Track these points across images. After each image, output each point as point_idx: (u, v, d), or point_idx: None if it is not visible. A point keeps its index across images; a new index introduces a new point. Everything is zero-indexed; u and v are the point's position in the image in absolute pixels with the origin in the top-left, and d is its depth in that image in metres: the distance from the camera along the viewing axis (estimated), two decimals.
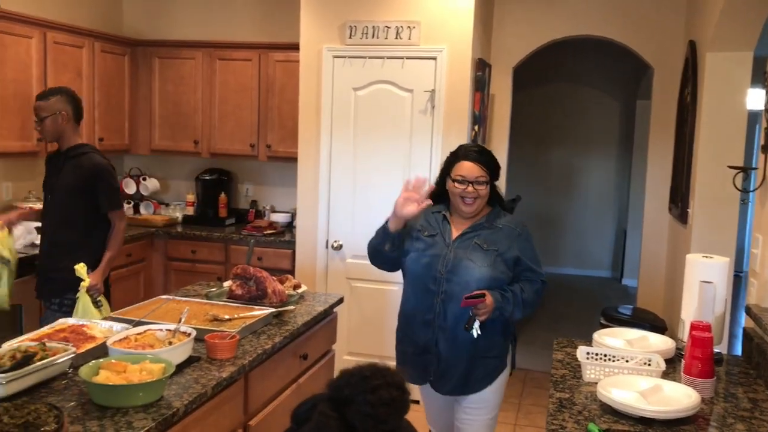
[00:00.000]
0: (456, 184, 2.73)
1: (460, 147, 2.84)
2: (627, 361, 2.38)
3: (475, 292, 2.58)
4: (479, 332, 2.64)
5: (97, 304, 3.32)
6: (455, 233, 2.77)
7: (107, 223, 3.60)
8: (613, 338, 2.64)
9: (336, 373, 3.27)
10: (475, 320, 2.62)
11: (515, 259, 2.71)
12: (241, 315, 2.75)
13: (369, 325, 4.62)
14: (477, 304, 2.58)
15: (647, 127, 5.42)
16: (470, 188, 2.69)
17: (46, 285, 3.59)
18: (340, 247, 4.69)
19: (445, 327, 2.69)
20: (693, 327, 2.29)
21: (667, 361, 2.45)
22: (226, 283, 3.19)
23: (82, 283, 3.17)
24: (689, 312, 2.55)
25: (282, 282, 3.19)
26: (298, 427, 0.91)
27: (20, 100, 4.39)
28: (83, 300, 3.21)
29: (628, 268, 8.42)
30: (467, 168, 2.71)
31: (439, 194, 2.85)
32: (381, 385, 0.88)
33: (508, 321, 2.75)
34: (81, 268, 3.13)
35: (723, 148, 4.00)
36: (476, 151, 2.75)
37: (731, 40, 3.88)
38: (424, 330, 2.72)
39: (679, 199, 4.58)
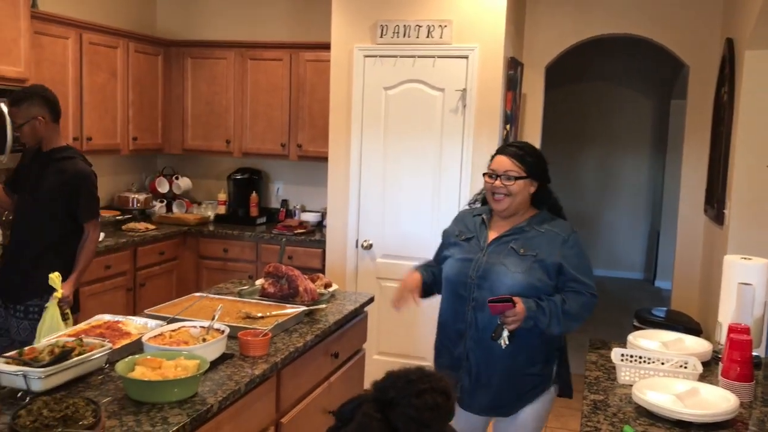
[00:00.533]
0: (486, 178, 2.59)
1: (504, 143, 2.74)
2: (662, 364, 2.34)
3: (502, 296, 2.38)
4: (507, 342, 2.42)
5: (64, 316, 3.08)
6: (492, 237, 2.58)
7: (82, 233, 3.40)
8: (648, 340, 2.60)
9: (367, 373, 3.28)
10: (503, 329, 2.39)
11: (558, 268, 2.45)
12: (274, 313, 2.77)
13: (399, 325, 4.62)
14: (504, 311, 2.36)
15: (682, 126, 5.34)
16: (498, 182, 2.51)
17: (11, 289, 3.36)
18: (370, 246, 4.69)
19: (477, 338, 2.49)
20: (731, 329, 2.24)
21: (704, 364, 2.40)
22: (258, 282, 3.21)
23: (55, 294, 2.93)
24: (727, 314, 2.50)
25: (313, 281, 3.20)
26: (343, 425, 0.90)
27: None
28: (52, 311, 2.96)
29: (661, 270, 8.30)
30: (499, 161, 2.55)
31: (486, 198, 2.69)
32: (427, 389, 0.88)
33: (553, 335, 2.49)
34: (56, 278, 2.88)
35: (761, 148, 3.92)
36: (515, 146, 2.59)
37: None
38: (457, 341, 2.55)
39: (715, 200, 4.50)
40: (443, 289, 2.65)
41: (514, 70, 4.72)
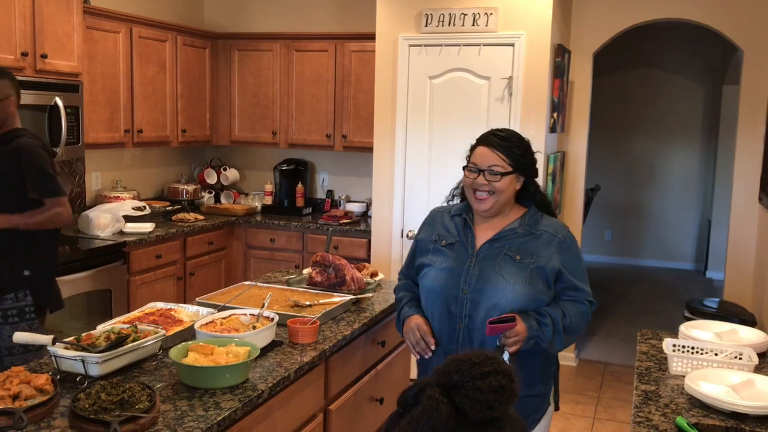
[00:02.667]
0: (466, 173, 2.26)
1: (486, 131, 2.31)
2: (716, 355, 2.30)
3: (504, 316, 2.11)
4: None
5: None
6: (480, 241, 2.25)
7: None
8: (701, 331, 2.55)
9: (413, 362, 3.29)
10: (503, 351, 2.12)
11: (556, 274, 2.20)
12: (321, 301, 2.80)
13: None
14: (505, 331, 2.10)
15: (735, 113, 5.19)
16: (480, 178, 2.19)
17: None
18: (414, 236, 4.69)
19: None
20: None
21: (759, 356, 2.35)
22: (306, 271, 3.24)
23: None
24: None
25: (359, 270, 3.22)
26: (405, 411, 0.92)
27: (108, 93, 4.57)
28: None
29: (713, 260, 8.11)
30: (482, 153, 2.21)
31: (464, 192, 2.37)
32: (491, 372, 0.90)
33: (553, 352, 2.26)
34: None
35: None
36: (499, 136, 2.23)
37: None
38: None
39: None
40: (426, 304, 2.31)
41: (561, 57, 4.65)
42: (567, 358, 5.17)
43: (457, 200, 2.43)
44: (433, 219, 2.43)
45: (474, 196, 2.24)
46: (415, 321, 2.28)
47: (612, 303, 7.10)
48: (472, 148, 2.29)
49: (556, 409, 2.42)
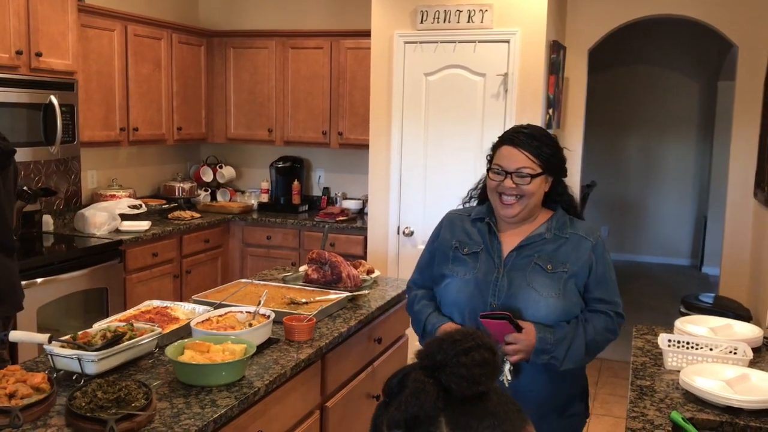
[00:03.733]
0: (491, 175, 2.06)
1: (511, 128, 2.14)
2: (711, 350, 2.30)
3: (498, 312, 1.95)
4: (510, 378, 1.99)
5: None
6: (507, 249, 2.09)
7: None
8: (696, 326, 2.56)
9: (409, 358, 3.29)
10: (504, 361, 1.97)
11: (586, 281, 2.07)
12: (317, 299, 2.80)
13: None
14: (506, 335, 1.93)
15: (730, 109, 5.20)
16: (508, 181, 2.01)
17: None
18: (411, 233, 4.70)
19: (500, 380, 1.99)
20: None
21: (754, 350, 2.35)
22: (302, 268, 3.25)
23: None
24: None
25: (356, 267, 3.22)
26: (391, 399, 0.93)
27: (103, 91, 4.57)
28: None
29: (709, 256, 8.13)
30: (509, 154, 2.03)
31: (485, 194, 2.19)
32: (473, 347, 0.90)
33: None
34: None
35: None
36: (527, 134, 2.04)
37: None
38: None
39: (766, 183, 4.38)
40: (450, 318, 2.13)
41: (556, 53, 4.66)
42: None
43: (474, 202, 2.26)
44: (452, 223, 2.22)
45: (500, 201, 2.06)
46: (451, 327, 2.06)
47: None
48: (495, 148, 2.11)
49: (587, 416, 2.31)
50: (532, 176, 2.02)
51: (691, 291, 6.02)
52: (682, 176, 8.73)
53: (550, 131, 4.73)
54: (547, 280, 2.03)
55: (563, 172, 2.14)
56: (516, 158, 2.02)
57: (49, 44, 3.97)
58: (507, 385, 1.99)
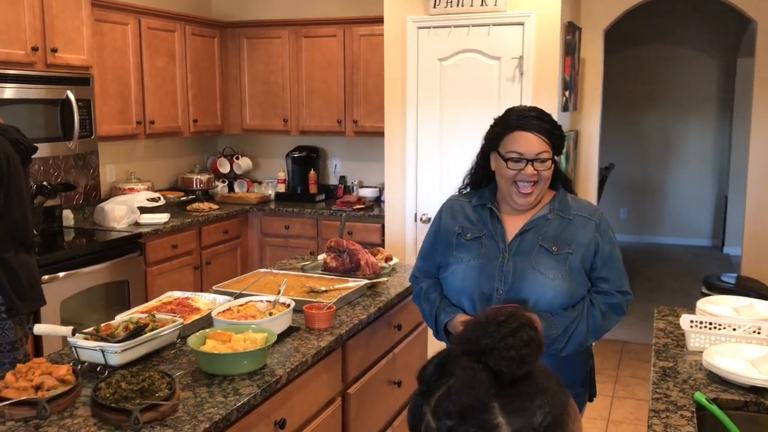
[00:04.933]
0: (509, 164, 2.00)
1: (511, 111, 2.06)
2: (734, 330, 2.28)
3: (509, 305, 1.89)
4: None
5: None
6: (511, 233, 2.08)
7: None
8: (718, 306, 2.53)
9: (429, 344, 3.29)
10: None
11: (592, 261, 2.07)
12: (337, 287, 2.80)
13: None
14: None
15: (750, 86, 5.12)
16: (530, 169, 1.98)
17: None
18: (428, 220, 4.69)
19: None
20: None
21: None
22: (321, 257, 3.25)
23: None
24: None
25: (374, 254, 3.22)
26: (429, 386, 0.90)
27: (119, 85, 4.59)
28: None
29: (730, 236, 8.04)
30: (525, 141, 1.98)
31: (480, 180, 2.19)
32: (519, 326, 0.88)
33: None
34: None
35: None
36: (536, 117, 2.00)
37: None
38: None
39: None
40: (455, 305, 2.15)
41: (572, 35, 4.61)
42: None
43: (468, 189, 2.25)
44: (452, 209, 2.21)
45: (517, 189, 2.01)
46: (464, 318, 2.07)
47: (629, 281, 7.05)
48: (501, 134, 2.04)
49: (590, 400, 2.30)
50: (550, 160, 2.01)
51: (713, 272, 5.96)
52: (701, 156, 8.63)
53: (567, 113, 4.72)
54: (552, 262, 2.02)
55: (561, 151, 2.12)
56: (533, 144, 1.99)
57: (64, 40, 4.00)
58: None
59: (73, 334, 2.08)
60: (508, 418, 0.84)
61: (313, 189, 5.69)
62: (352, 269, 3.02)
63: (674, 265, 7.83)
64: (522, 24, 4.30)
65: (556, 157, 2.13)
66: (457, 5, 4.40)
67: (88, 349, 2.03)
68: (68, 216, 4.47)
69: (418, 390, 0.93)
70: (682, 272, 7.44)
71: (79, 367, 2.01)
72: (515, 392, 0.86)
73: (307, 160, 5.74)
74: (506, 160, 2.02)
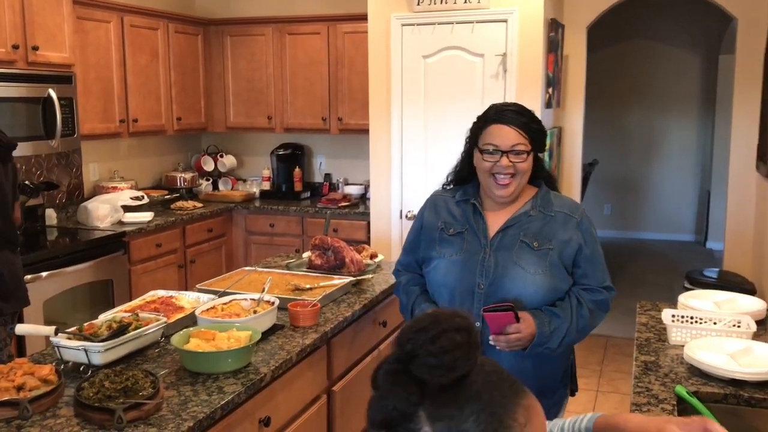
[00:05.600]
0: (485, 156, 2.04)
1: (491, 107, 2.10)
2: (715, 323, 2.31)
3: (504, 304, 1.94)
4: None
5: None
6: (493, 228, 2.10)
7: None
8: (699, 300, 2.56)
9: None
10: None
11: (574, 258, 2.09)
12: (321, 284, 2.81)
13: None
14: (505, 326, 1.94)
15: (731, 82, 5.17)
16: (505, 160, 2.01)
17: None
18: (414, 216, 4.69)
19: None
20: None
21: (758, 323, 2.36)
22: (305, 254, 3.25)
23: None
24: None
25: (359, 252, 3.23)
26: (375, 390, 0.89)
27: (102, 83, 4.56)
28: None
29: (713, 231, 8.11)
30: (500, 133, 2.02)
31: (465, 176, 2.20)
32: (440, 333, 0.83)
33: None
34: None
35: None
36: (513, 111, 2.05)
37: None
38: None
39: None
40: (436, 300, 2.18)
41: (554, 31, 4.63)
42: None
43: (452, 185, 2.28)
44: (435, 204, 2.24)
45: (495, 181, 2.04)
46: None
47: (613, 276, 7.04)
48: (480, 128, 2.09)
49: (572, 395, 2.32)
50: (527, 153, 2.04)
51: (696, 267, 6.01)
52: (684, 151, 8.70)
53: (550, 110, 4.74)
54: (533, 258, 2.05)
55: (543, 148, 2.15)
56: (509, 136, 2.02)
57: (46, 37, 3.96)
58: None
59: (56, 333, 2.07)
60: (433, 426, 0.82)
61: (298, 187, 5.69)
62: (337, 267, 3.03)
63: (657, 260, 7.90)
64: (505, 21, 4.32)
65: (540, 155, 2.17)
66: (441, 2, 4.41)
67: (71, 348, 2.02)
68: (51, 215, 4.44)
69: (371, 396, 0.91)
70: (666, 267, 7.50)
71: (62, 367, 2.00)
72: (443, 399, 0.83)
73: (291, 157, 5.73)
74: (483, 152, 2.06)
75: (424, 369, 0.83)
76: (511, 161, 2.02)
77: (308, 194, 5.70)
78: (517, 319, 1.97)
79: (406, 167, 4.68)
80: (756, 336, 2.24)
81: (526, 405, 0.87)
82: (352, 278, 2.91)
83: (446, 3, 4.40)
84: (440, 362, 0.82)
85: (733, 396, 1.89)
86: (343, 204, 5.24)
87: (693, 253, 8.09)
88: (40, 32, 3.93)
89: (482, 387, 0.85)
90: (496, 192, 2.07)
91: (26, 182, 3.99)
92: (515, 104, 2.12)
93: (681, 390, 1.88)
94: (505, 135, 2.02)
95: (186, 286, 4.79)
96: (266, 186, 5.77)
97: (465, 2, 4.36)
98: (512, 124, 2.03)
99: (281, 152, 5.72)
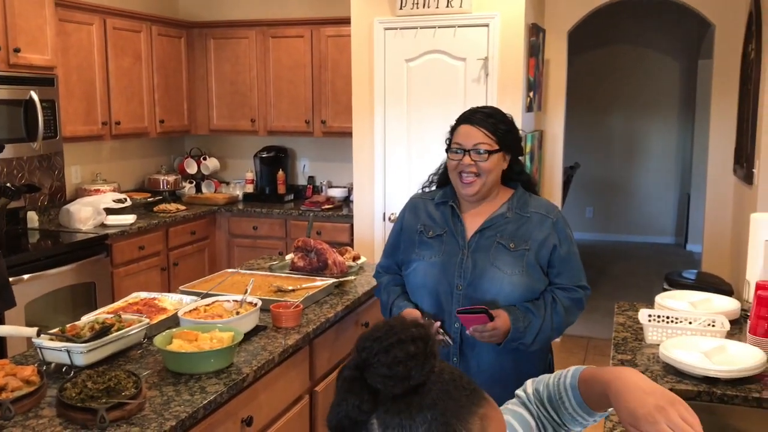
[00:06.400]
0: (450, 155, 2.13)
1: (468, 109, 2.18)
2: (690, 323, 2.35)
3: (475, 306, 2.01)
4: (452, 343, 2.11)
5: None
6: (470, 230, 2.14)
7: None
8: (675, 301, 2.60)
9: None
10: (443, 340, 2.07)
11: (549, 258, 2.13)
12: (304, 286, 2.83)
13: None
14: (477, 326, 2.00)
15: (710, 87, 5.26)
16: (467, 159, 2.07)
17: None
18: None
19: (468, 364, 2.14)
20: (758, 287, 2.24)
21: (733, 323, 2.41)
22: (288, 256, 3.27)
23: None
24: (755, 272, 2.50)
25: (342, 254, 3.25)
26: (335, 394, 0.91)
27: (84, 85, 4.55)
28: None
29: (693, 233, 8.22)
30: (465, 132, 2.10)
31: (445, 179, 2.25)
32: (394, 343, 0.84)
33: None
34: None
35: None
36: (483, 113, 2.12)
37: None
38: None
39: (744, 160, 4.44)
40: (415, 302, 2.22)
41: (536, 36, 4.68)
42: None
43: (434, 186, 2.33)
44: (415, 207, 2.28)
45: (460, 180, 2.11)
46: (411, 313, 2.15)
47: (595, 279, 7.19)
48: (453, 129, 2.17)
49: None
50: (490, 152, 2.08)
51: (676, 268, 6.09)
52: (665, 155, 8.80)
53: (531, 114, 4.79)
54: (510, 259, 2.09)
55: (519, 151, 2.20)
56: (473, 135, 2.09)
57: (27, 40, 3.95)
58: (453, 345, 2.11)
59: (38, 335, 2.08)
60: None
61: (281, 189, 5.70)
62: (319, 268, 3.05)
63: (639, 262, 7.98)
64: (487, 25, 4.36)
65: (520, 157, 2.22)
66: (423, 6, 4.45)
67: (54, 349, 2.03)
68: (33, 218, 4.42)
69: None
70: (647, 269, 7.58)
71: (44, 368, 2.00)
72: (396, 408, 0.83)
73: (275, 160, 5.74)
74: (450, 151, 2.14)
75: (377, 378, 0.83)
76: (473, 160, 2.08)
77: (292, 197, 5.72)
78: (491, 320, 2.01)
79: (389, 170, 4.71)
80: (730, 335, 2.29)
81: (482, 414, 0.87)
82: (334, 280, 2.93)
83: (428, 7, 4.44)
84: (393, 372, 0.83)
85: (706, 393, 1.93)
86: (327, 206, 5.26)
87: (674, 256, 8.18)
88: (22, 34, 3.92)
89: (437, 396, 0.85)
90: (462, 191, 2.13)
91: (7, 185, 3.97)
92: (490, 107, 2.19)
93: None
94: (470, 134, 2.09)
95: (169, 289, 4.79)
96: (249, 189, 5.78)
97: (447, 6, 4.40)
98: (478, 124, 2.09)
99: (265, 155, 5.73)
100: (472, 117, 2.12)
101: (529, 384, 1.22)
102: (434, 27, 4.46)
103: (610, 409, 1.13)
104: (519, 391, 1.22)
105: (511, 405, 1.19)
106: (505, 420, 1.13)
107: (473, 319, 2.00)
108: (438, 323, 2.13)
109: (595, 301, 6.34)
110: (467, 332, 2.06)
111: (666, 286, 4.52)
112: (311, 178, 5.87)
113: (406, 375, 0.83)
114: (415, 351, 0.84)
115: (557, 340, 5.32)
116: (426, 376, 0.85)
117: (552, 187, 5.35)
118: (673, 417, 0.96)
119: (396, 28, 4.55)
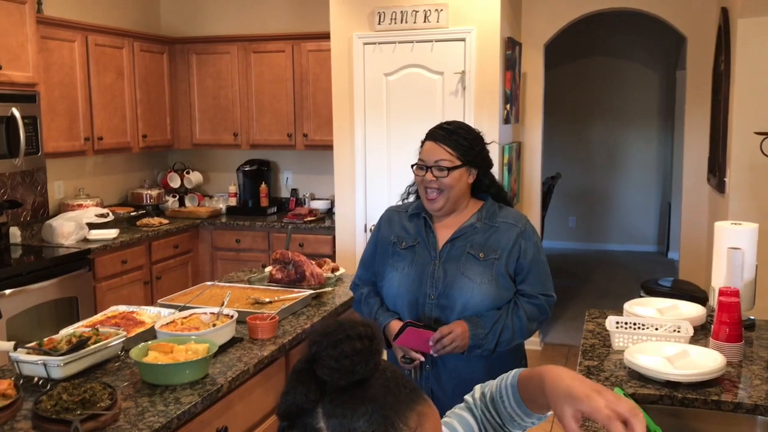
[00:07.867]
0: (415, 171, 2.20)
1: (434, 126, 2.24)
2: (656, 329, 2.42)
3: (425, 325, 2.12)
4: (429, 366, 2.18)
5: None
6: (441, 241, 2.21)
7: None
8: (643, 308, 2.67)
9: None
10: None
11: (515, 266, 2.19)
12: (281, 297, 2.87)
13: None
14: (426, 341, 2.08)
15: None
16: (429, 175, 2.13)
17: None
18: None
19: (438, 373, 2.20)
20: (721, 293, 2.31)
21: (700, 328, 2.48)
22: (267, 268, 3.31)
23: None
24: (719, 279, 2.56)
25: (320, 265, 3.29)
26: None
27: (66, 101, 4.59)
28: None
29: (674, 241, 8.30)
30: (427, 149, 2.16)
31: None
32: (342, 339, 0.90)
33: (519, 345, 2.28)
34: None
35: (757, 116, 3.95)
36: (445, 129, 2.18)
37: (762, 5, 3.82)
38: (414, 374, 2.23)
39: (717, 169, 4.54)
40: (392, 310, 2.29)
41: (512, 50, 4.77)
42: (532, 342, 5.31)
43: (412, 198, 2.38)
44: (390, 219, 2.34)
45: (425, 195, 2.17)
46: (397, 325, 2.20)
47: (577, 287, 7.27)
48: (421, 145, 2.23)
49: None
50: (449, 169, 2.13)
51: (656, 276, 6.17)
52: (645, 165, 8.91)
53: (509, 126, 4.86)
54: (479, 268, 2.16)
55: (488, 164, 2.25)
56: (435, 152, 2.14)
57: (9, 57, 3.99)
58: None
59: (15, 349, 2.11)
60: (328, 422, 0.89)
61: (264, 202, 5.74)
62: (297, 280, 3.09)
63: (621, 270, 8.07)
64: (463, 40, 4.44)
65: (491, 170, 2.27)
66: (401, 22, 4.53)
67: (30, 363, 2.06)
68: (15, 233, 4.45)
69: None
70: (628, 277, 7.66)
71: (21, 381, 2.04)
72: (340, 399, 0.90)
73: (258, 173, 5.79)
74: (415, 167, 2.21)
75: (325, 371, 0.90)
76: (435, 176, 2.13)
77: (275, 209, 5.76)
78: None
79: (369, 182, 4.77)
80: (695, 340, 2.35)
81: (420, 411, 0.93)
82: (312, 291, 2.98)
83: (406, 22, 4.52)
84: (340, 366, 0.89)
85: (668, 397, 1.99)
86: (309, 219, 5.31)
87: (655, 264, 8.27)
88: (3, 52, 3.96)
89: (378, 390, 0.91)
90: (427, 206, 2.21)
91: None
92: (453, 123, 2.24)
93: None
94: (432, 151, 2.15)
95: (152, 302, 4.80)
96: (233, 202, 5.82)
97: (424, 21, 4.48)
98: (439, 141, 2.15)
99: (247, 168, 5.78)
100: (436, 133, 2.18)
101: (477, 388, 1.28)
102: (412, 42, 4.54)
103: (549, 413, 1.18)
104: (467, 396, 1.28)
105: (458, 409, 1.25)
106: (448, 422, 1.18)
107: (421, 333, 2.09)
108: (421, 357, 2.19)
109: (577, 309, 6.42)
110: (431, 353, 2.12)
111: (642, 294, 4.59)
112: (294, 191, 5.92)
113: (351, 369, 0.89)
114: (362, 347, 0.90)
115: (538, 348, 5.38)
116: (370, 372, 0.91)
117: (531, 198, 5.43)
118: (609, 397, 1.03)
119: (375, 43, 4.62)
